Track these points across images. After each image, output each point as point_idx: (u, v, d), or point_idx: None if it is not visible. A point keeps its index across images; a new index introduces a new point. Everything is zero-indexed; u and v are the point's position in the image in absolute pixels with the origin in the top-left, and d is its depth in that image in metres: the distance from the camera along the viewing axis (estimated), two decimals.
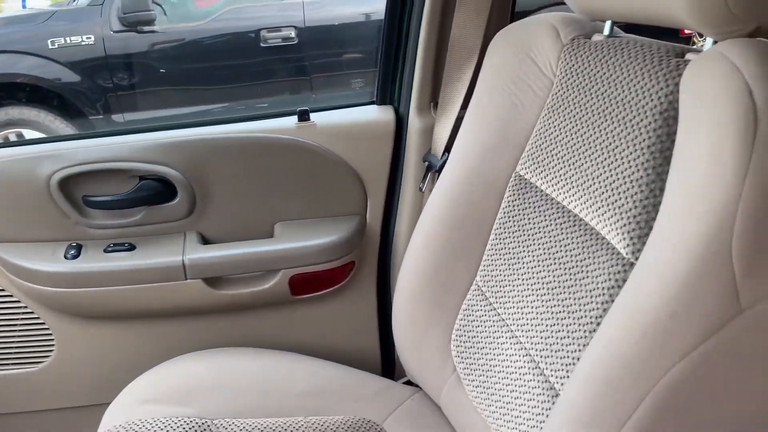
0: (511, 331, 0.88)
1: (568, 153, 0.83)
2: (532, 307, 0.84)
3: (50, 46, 3.55)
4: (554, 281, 0.81)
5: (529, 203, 0.89)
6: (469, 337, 0.96)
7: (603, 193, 0.76)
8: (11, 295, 1.27)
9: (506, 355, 0.88)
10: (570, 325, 0.77)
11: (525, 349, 0.84)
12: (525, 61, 0.92)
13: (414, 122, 1.28)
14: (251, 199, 1.29)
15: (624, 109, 0.75)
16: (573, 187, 0.81)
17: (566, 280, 0.79)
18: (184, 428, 0.98)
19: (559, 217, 0.83)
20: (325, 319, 1.38)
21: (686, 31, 1.59)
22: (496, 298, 0.92)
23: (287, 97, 3.88)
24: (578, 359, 0.74)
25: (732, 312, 0.58)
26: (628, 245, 0.71)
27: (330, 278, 1.32)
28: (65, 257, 1.23)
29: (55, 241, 1.25)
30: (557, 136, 0.85)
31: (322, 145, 1.28)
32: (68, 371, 1.33)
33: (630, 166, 0.72)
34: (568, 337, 0.77)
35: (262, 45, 3.74)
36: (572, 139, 0.83)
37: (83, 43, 3.58)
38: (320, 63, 3.83)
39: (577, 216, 0.80)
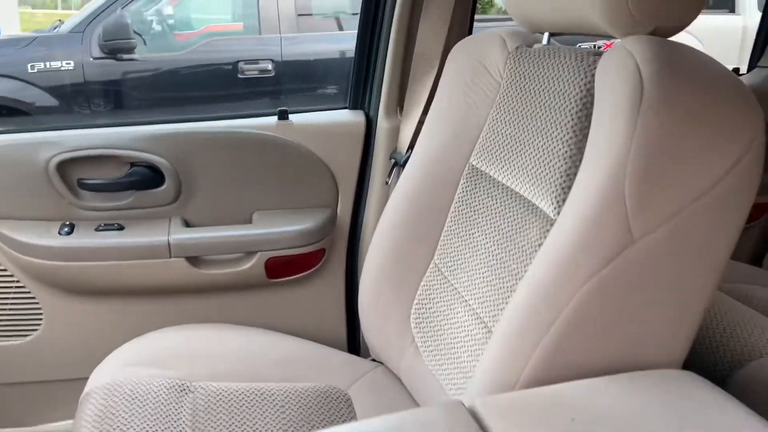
0: (463, 298, 0.99)
1: (513, 141, 0.96)
2: (480, 275, 0.96)
3: (30, 70, 3.63)
4: (498, 249, 0.94)
5: (481, 189, 1.01)
6: (426, 308, 1.06)
7: (538, 169, 0.89)
8: (5, 270, 1.36)
9: (457, 318, 0.99)
10: (504, 276, 0.90)
11: (472, 309, 0.96)
12: (478, 68, 1.05)
13: (382, 124, 1.43)
14: (232, 189, 1.42)
15: (556, 100, 0.89)
16: (516, 169, 0.94)
17: (506, 245, 0.92)
18: (165, 387, 1.06)
19: (505, 198, 0.96)
20: (298, 301, 1.49)
21: None
22: (451, 272, 1.03)
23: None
24: (508, 303, 0.86)
25: (625, 242, 0.72)
26: (554, 208, 0.84)
27: (303, 263, 1.45)
28: (59, 234, 1.33)
29: (50, 220, 1.35)
30: (504, 128, 0.99)
31: (299, 142, 1.42)
32: (54, 345, 1.41)
33: (558, 144, 0.86)
34: (503, 286, 0.90)
35: (239, 76, 3.89)
36: (516, 129, 0.96)
37: (62, 68, 3.69)
38: (295, 93, 3.99)
39: (518, 193, 0.93)
